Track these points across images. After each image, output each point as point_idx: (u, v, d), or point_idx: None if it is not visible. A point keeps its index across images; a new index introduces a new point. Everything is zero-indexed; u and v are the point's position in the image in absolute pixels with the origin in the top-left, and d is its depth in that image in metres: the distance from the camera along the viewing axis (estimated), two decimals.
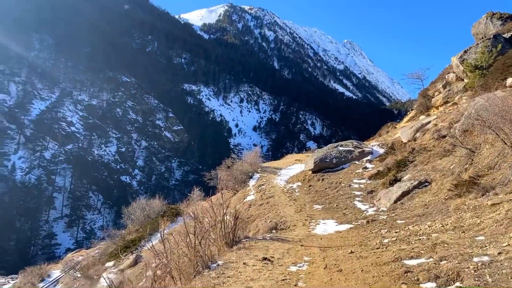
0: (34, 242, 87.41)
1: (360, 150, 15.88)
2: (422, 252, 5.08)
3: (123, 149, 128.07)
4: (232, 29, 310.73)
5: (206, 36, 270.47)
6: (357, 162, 15.42)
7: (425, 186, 9.58)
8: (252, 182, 17.12)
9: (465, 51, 17.98)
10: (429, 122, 14.39)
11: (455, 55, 18.60)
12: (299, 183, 15.42)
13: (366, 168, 14.33)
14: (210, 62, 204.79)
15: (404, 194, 9.59)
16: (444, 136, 12.04)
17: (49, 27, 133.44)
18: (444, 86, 19.37)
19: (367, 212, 9.83)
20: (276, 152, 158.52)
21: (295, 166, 20.09)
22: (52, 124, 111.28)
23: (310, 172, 16.17)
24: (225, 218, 6.62)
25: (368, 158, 15.47)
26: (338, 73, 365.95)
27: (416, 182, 9.72)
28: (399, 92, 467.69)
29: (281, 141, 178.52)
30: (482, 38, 20.89)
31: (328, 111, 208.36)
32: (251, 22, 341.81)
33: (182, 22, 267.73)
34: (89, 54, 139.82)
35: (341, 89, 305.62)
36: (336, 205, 11.05)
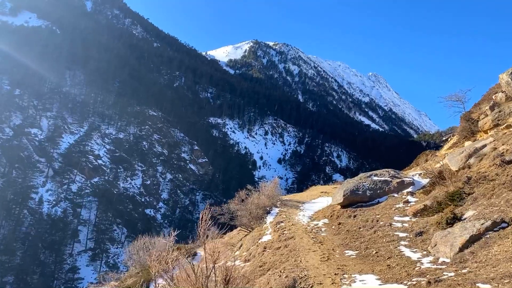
0: (57, 276, 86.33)
1: (398, 180, 13.36)
2: None
3: (148, 182, 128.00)
4: (257, 64, 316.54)
5: (231, 71, 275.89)
6: (395, 195, 12.87)
7: (502, 227, 6.99)
8: (269, 218, 14.66)
9: None
10: (485, 146, 11.90)
11: (504, 72, 16.19)
12: (326, 220, 12.94)
13: (408, 202, 11.78)
14: (235, 96, 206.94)
15: (474, 239, 6.93)
16: (510, 162, 9.60)
17: (80, 64, 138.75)
18: (491, 108, 16.86)
19: (421, 263, 7.15)
20: (301, 184, 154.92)
21: (320, 199, 17.63)
22: (80, 157, 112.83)
23: (339, 207, 13.68)
24: (212, 279, 4.43)
25: (409, 189, 12.92)
26: (363, 106, 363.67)
27: (489, 222, 7.03)
28: (427, 124, 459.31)
29: (306, 173, 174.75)
30: None
31: (354, 143, 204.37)
32: (276, 57, 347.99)
33: (209, 59, 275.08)
34: (118, 89, 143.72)
35: (367, 121, 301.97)
36: (376, 252, 8.39)
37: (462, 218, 8.11)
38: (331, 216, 13.21)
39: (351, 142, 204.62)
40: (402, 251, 8.03)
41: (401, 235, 9.04)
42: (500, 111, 15.90)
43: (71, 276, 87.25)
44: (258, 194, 16.91)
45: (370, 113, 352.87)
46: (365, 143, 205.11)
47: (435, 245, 7.37)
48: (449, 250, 6.96)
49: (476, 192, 9.33)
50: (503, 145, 10.89)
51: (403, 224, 9.79)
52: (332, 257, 8.62)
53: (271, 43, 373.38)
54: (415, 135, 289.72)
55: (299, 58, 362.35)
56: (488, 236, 6.87)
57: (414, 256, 7.59)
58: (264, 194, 16.75)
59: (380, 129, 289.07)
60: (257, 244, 11.71)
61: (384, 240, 8.92)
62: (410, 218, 10.19)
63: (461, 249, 6.71)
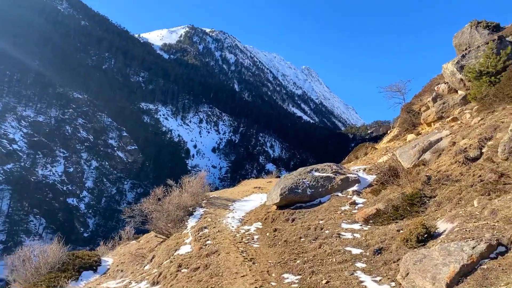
0: None
1: (342, 176, 11.69)
2: None
3: (71, 169, 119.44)
4: (192, 50, 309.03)
5: (166, 56, 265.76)
6: (339, 194, 11.16)
7: (501, 252, 5.08)
8: (191, 222, 12.15)
9: (463, 56, 14.73)
10: (440, 139, 10.63)
11: (449, 62, 15.31)
12: (259, 224, 10.85)
13: (355, 203, 10.09)
14: (169, 81, 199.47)
15: (466, 271, 4.87)
16: (475, 159, 8.29)
17: None
18: (434, 100, 16.03)
19: None
20: (234, 173, 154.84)
21: (253, 196, 15.59)
22: None
23: (275, 207, 11.72)
24: None
25: (355, 188, 11.30)
26: (296, 98, 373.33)
27: (483, 246, 5.01)
28: (354, 118, 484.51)
29: (240, 163, 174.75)
30: (466, 49, 18.12)
31: (287, 134, 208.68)
32: (212, 44, 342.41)
33: (142, 41, 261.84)
34: (38, 68, 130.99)
35: (299, 113, 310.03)
36: (327, 281, 6.06)
37: (436, 233, 6.36)
38: (266, 218, 11.16)
39: (284, 133, 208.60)
40: (362, 281, 5.84)
41: (355, 251, 6.99)
42: (444, 103, 15.04)
43: None
44: (179, 191, 14.33)
45: (302, 105, 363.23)
46: (297, 134, 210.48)
47: (407, 274, 5.24)
48: (431, 285, 4.87)
49: (440, 195, 7.79)
50: (463, 139, 9.59)
51: (354, 235, 7.90)
52: (268, 285, 6.38)
53: (207, 30, 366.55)
54: (343, 128, 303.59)
55: (235, 47, 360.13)
56: (485, 266, 4.87)
57: None
58: (187, 191, 14.16)
59: (311, 121, 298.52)
60: (171, 258, 9.21)
61: (335, 260, 6.75)
62: (361, 225, 8.42)
63: (450, 286, 4.68)
